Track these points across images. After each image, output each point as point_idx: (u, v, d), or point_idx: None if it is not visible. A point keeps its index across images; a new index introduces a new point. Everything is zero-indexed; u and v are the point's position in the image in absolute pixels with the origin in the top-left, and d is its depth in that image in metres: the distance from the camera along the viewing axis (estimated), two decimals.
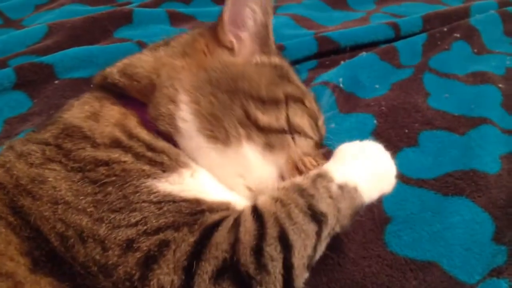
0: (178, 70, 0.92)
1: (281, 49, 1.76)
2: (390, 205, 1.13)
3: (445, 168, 1.24)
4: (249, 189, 0.90)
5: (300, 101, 0.99)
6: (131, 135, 0.86)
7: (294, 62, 1.65)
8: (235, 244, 0.73)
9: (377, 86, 1.65)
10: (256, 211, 0.79)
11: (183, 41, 0.99)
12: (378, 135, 1.38)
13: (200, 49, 0.95)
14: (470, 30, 1.92)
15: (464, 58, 1.80)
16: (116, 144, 0.84)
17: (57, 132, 0.86)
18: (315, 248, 0.79)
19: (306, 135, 0.97)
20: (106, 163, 0.80)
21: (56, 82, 1.70)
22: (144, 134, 0.87)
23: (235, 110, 0.89)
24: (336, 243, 1.02)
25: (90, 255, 0.72)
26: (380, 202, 1.13)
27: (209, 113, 0.89)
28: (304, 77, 1.68)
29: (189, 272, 0.71)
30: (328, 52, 1.88)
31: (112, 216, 0.74)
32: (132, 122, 0.88)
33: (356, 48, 1.89)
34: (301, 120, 0.96)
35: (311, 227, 0.78)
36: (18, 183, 0.78)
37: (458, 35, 1.89)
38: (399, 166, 1.23)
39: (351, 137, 1.34)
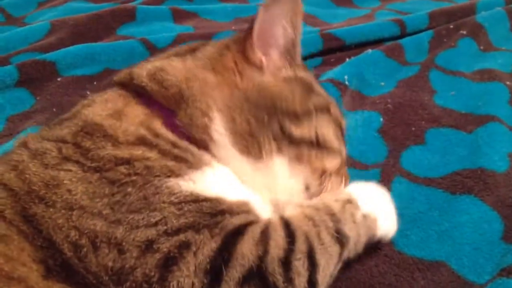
0: (210, 86, 0.91)
1: None
2: (397, 204, 1.10)
3: (453, 167, 1.22)
4: (275, 201, 0.91)
5: (327, 110, 0.99)
6: (156, 134, 0.85)
7: None
8: (263, 256, 0.74)
9: (382, 83, 1.63)
10: (287, 226, 0.81)
11: (210, 54, 0.97)
12: (384, 133, 1.36)
13: (229, 66, 0.93)
14: (476, 27, 1.90)
15: (471, 55, 1.79)
16: (140, 141, 0.82)
17: (75, 130, 0.84)
18: (335, 268, 0.83)
19: (332, 149, 0.98)
20: (127, 161, 0.78)
21: (59, 79, 1.69)
22: (169, 135, 0.86)
23: (272, 126, 0.90)
24: None
25: (102, 263, 0.70)
26: None
27: (244, 130, 0.89)
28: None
29: (212, 276, 0.70)
30: (333, 50, 1.87)
31: (131, 216, 0.73)
32: (157, 124, 0.87)
33: (362, 45, 1.88)
34: (328, 130, 0.97)
35: (336, 249, 0.82)
36: (30, 189, 0.75)
37: (464, 32, 1.87)
38: (406, 164, 1.23)
39: (357, 135, 1.35)
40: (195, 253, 0.71)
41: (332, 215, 0.86)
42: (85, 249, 0.71)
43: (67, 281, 0.70)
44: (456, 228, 1.05)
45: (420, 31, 1.94)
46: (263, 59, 0.93)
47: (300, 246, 0.77)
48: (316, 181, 0.95)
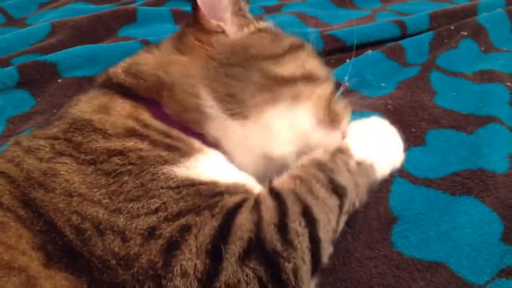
0: (186, 67, 0.92)
1: None
2: (396, 204, 1.12)
3: (453, 168, 1.22)
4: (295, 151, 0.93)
5: (301, 46, 1.01)
6: (146, 125, 0.86)
7: None
8: (258, 222, 0.74)
9: (383, 84, 1.63)
10: (274, 191, 0.81)
11: (172, 42, 1.00)
12: None
13: (194, 44, 0.95)
14: (477, 28, 1.89)
15: (472, 56, 1.78)
16: (130, 133, 0.83)
17: (65, 127, 0.85)
18: (338, 222, 0.82)
19: (323, 78, 0.99)
20: (121, 152, 0.79)
21: (60, 80, 1.69)
22: (159, 124, 0.87)
23: (252, 75, 0.91)
24: (341, 243, 1.01)
25: (109, 248, 0.71)
26: (386, 201, 1.13)
27: (227, 94, 0.89)
28: None
29: (213, 255, 0.70)
30: (334, 51, 1.86)
31: (130, 205, 0.74)
32: (145, 115, 0.88)
33: (362, 46, 1.87)
34: (312, 63, 0.99)
35: (333, 201, 0.81)
36: (29, 176, 0.77)
37: (465, 33, 1.86)
38: (406, 165, 1.23)
39: None
40: (196, 235, 0.72)
41: (320, 166, 0.86)
42: (88, 232, 0.71)
43: (69, 268, 0.70)
44: (456, 229, 1.05)
45: (421, 32, 1.94)
46: (222, 23, 0.95)
47: (291, 205, 0.77)
48: (322, 112, 0.96)
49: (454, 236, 1.04)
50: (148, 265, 0.70)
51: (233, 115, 0.89)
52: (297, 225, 0.74)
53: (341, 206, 0.82)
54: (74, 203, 0.73)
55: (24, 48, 1.89)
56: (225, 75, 0.90)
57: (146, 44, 1.82)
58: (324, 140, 0.95)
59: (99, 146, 0.80)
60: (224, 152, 0.91)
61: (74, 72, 1.73)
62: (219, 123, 0.89)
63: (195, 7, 0.94)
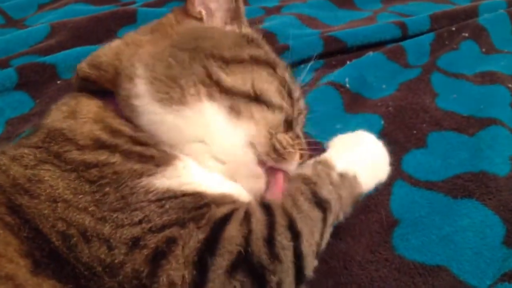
0: (140, 45, 0.91)
1: (286, 49, 1.74)
2: (398, 207, 1.11)
3: (454, 170, 1.21)
4: (217, 159, 0.87)
5: (270, 66, 0.95)
6: (112, 131, 0.83)
7: (300, 62, 1.63)
8: (248, 236, 0.73)
9: (384, 86, 1.62)
10: (264, 204, 0.80)
11: (154, 22, 0.99)
12: (385, 136, 1.34)
13: (167, 23, 0.94)
14: (478, 29, 1.89)
15: (473, 57, 1.77)
16: (99, 144, 0.81)
17: (42, 137, 0.83)
18: (322, 235, 0.81)
19: (273, 104, 0.91)
20: (96, 165, 0.78)
21: (59, 82, 1.69)
22: (124, 126, 0.84)
23: (195, 68, 0.86)
24: (342, 246, 1.00)
25: (95, 255, 0.70)
26: (387, 204, 1.12)
27: (165, 75, 0.85)
28: (310, 77, 1.65)
29: (200, 267, 0.70)
30: (334, 52, 1.86)
31: (115, 215, 0.73)
32: (111, 115, 0.86)
33: (363, 47, 1.86)
34: (268, 86, 0.92)
35: (316, 214, 0.80)
36: (15, 183, 0.76)
37: (466, 35, 1.86)
38: (407, 167, 1.22)
39: None
40: (183, 246, 0.71)
41: (304, 179, 0.84)
42: (74, 239, 0.71)
43: (56, 275, 0.69)
44: (458, 232, 1.04)
45: (422, 33, 1.93)
46: (203, 12, 0.94)
47: (279, 219, 0.76)
48: (262, 139, 0.88)
49: (456, 239, 1.03)
50: (133, 274, 0.69)
51: (166, 100, 0.84)
52: (283, 238, 0.74)
53: (324, 220, 0.82)
54: (59, 209, 0.73)
55: (23, 49, 1.88)
56: (170, 55, 0.87)
57: None
58: (253, 175, 0.89)
59: (75, 157, 0.79)
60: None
61: (73, 73, 1.71)
62: (150, 116, 0.85)
63: None
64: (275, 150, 0.88)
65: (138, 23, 2.12)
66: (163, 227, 0.73)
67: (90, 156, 0.79)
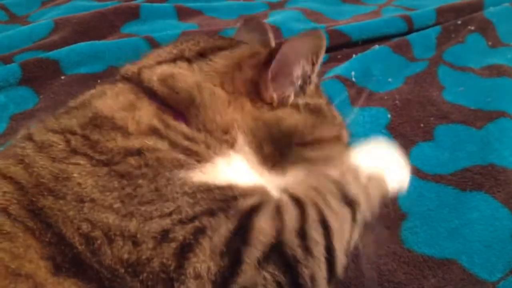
0: (222, 103, 0.89)
1: None
2: (406, 201, 1.10)
3: (463, 163, 1.20)
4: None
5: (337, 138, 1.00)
6: (168, 125, 0.83)
7: None
8: (281, 229, 0.72)
9: (390, 79, 1.61)
10: (295, 199, 0.80)
11: (220, 69, 0.93)
12: (392, 129, 1.34)
13: (239, 91, 0.91)
14: (484, 22, 1.88)
15: (479, 51, 1.76)
16: (152, 131, 0.80)
17: (84, 121, 0.81)
18: (350, 233, 0.81)
19: None
20: (138, 152, 0.76)
21: (63, 77, 1.67)
22: (183, 127, 0.84)
23: (289, 155, 0.90)
24: None
25: (117, 255, 0.69)
26: (395, 198, 1.10)
27: (271, 157, 0.89)
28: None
29: (230, 258, 0.69)
30: (340, 46, 1.85)
31: (143, 208, 0.71)
32: (169, 118, 0.85)
33: (368, 41, 1.85)
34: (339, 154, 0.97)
35: (346, 211, 0.81)
36: (38, 182, 0.73)
37: (472, 28, 1.85)
38: (415, 161, 1.21)
39: (365, 131, 1.33)
40: (210, 237, 0.70)
41: (334, 181, 0.85)
42: (98, 241, 0.69)
43: (79, 276, 0.68)
44: (467, 225, 1.03)
45: (427, 27, 1.92)
46: (274, 96, 0.91)
47: (312, 214, 0.76)
48: None
49: (465, 232, 1.02)
50: (160, 269, 0.68)
51: (263, 164, 0.89)
52: (315, 233, 0.74)
53: (353, 217, 0.82)
54: (85, 209, 0.71)
55: (27, 45, 1.87)
56: (268, 143, 0.89)
57: (149, 40, 1.82)
58: None
59: (116, 145, 0.77)
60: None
61: (77, 69, 1.71)
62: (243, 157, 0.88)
63: (268, 62, 0.88)
64: None
65: (142, 18, 2.13)
66: (193, 218, 0.72)
67: (134, 142, 0.78)
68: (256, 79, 0.91)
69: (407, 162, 1.00)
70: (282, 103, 0.92)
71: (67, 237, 0.69)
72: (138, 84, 0.92)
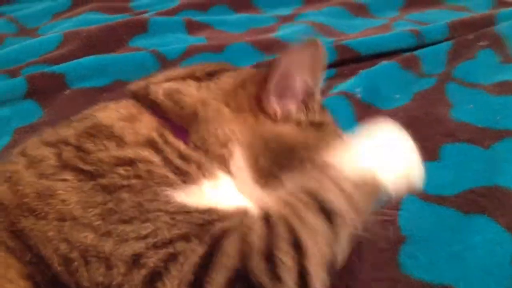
0: (225, 118, 0.90)
1: None
2: (406, 223, 1.07)
3: (467, 184, 1.17)
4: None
5: None
6: (166, 141, 0.84)
7: None
8: (246, 251, 0.68)
9: (397, 96, 1.59)
10: (265, 215, 0.74)
11: (225, 87, 0.94)
12: None
13: (243, 107, 0.91)
14: (496, 38, 1.84)
15: (490, 67, 1.72)
16: (149, 143, 0.81)
17: (81, 130, 0.82)
18: (331, 246, 0.71)
19: None
20: (130, 162, 0.76)
21: (67, 91, 1.68)
22: (180, 144, 0.85)
23: (292, 168, 0.86)
24: (345, 264, 0.97)
25: (93, 278, 0.68)
26: (395, 220, 1.08)
27: (265, 170, 0.87)
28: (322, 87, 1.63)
29: (196, 285, 0.66)
30: (348, 61, 1.82)
31: (121, 228, 0.70)
32: (169, 134, 0.86)
33: (377, 56, 1.83)
34: None
35: (322, 223, 0.71)
36: (21, 202, 0.74)
37: (484, 44, 1.81)
38: None
39: None
40: (181, 264, 0.68)
41: (309, 191, 0.76)
42: (76, 263, 0.69)
43: None
44: (468, 250, 1.00)
45: (439, 42, 1.88)
46: (278, 110, 0.91)
47: (281, 233, 0.69)
48: None
49: (466, 257, 0.99)
50: None
51: (259, 183, 0.87)
52: (285, 256, 0.67)
53: (333, 230, 0.72)
54: (65, 229, 0.70)
55: (34, 59, 1.88)
56: (270, 156, 0.88)
57: (155, 54, 1.81)
58: None
59: (107, 155, 0.77)
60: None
61: (83, 83, 1.72)
62: (239, 178, 0.87)
63: (268, 76, 0.89)
64: None
65: (150, 32, 2.12)
66: (168, 243, 0.70)
67: (128, 151, 0.78)
68: (258, 94, 0.91)
69: (413, 145, 0.89)
70: (285, 118, 0.91)
71: (46, 258, 0.69)
72: (143, 98, 0.93)
